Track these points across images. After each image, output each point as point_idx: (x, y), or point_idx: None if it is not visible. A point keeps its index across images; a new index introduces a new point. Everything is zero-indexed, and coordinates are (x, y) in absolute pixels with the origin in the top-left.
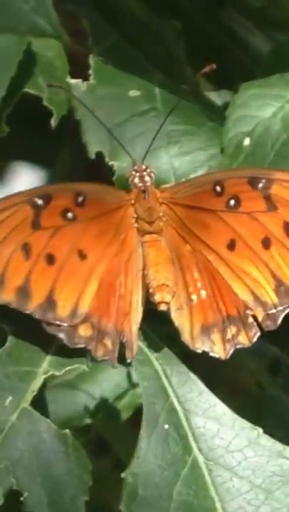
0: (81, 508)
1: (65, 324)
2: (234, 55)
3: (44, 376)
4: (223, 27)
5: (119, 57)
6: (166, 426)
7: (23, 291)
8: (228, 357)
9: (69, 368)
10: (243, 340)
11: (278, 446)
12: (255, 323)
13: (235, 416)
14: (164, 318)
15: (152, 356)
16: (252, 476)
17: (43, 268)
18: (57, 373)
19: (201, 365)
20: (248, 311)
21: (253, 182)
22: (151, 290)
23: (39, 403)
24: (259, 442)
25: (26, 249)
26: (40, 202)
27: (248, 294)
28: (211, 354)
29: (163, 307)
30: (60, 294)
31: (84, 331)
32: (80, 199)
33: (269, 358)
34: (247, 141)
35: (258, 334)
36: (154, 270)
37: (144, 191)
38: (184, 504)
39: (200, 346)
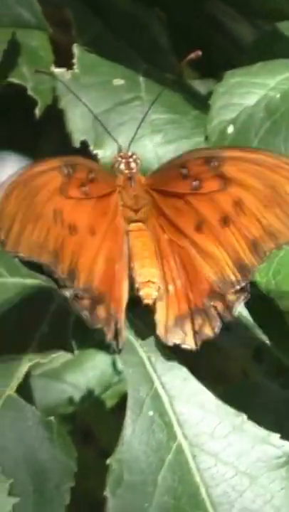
0: (66, 495)
1: (79, 295)
2: (218, 43)
3: (29, 364)
4: (207, 16)
5: (103, 47)
6: (151, 412)
7: (56, 256)
8: (198, 348)
9: (54, 355)
10: (208, 332)
11: (262, 432)
12: (217, 315)
13: (220, 402)
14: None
15: (137, 343)
16: (236, 461)
17: (68, 236)
18: (42, 361)
19: (184, 352)
20: (211, 303)
21: (207, 162)
22: (136, 285)
23: (24, 391)
24: (243, 428)
25: (56, 215)
26: (68, 171)
27: (217, 274)
28: (183, 346)
29: (148, 301)
30: (79, 265)
31: (100, 312)
32: (91, 176)
33: (254, 346)
34: (231, 129)
35: (220, 326)
36: (140, 265)
37: (130, 178)
38: (169, 489)
39: (172, 339)
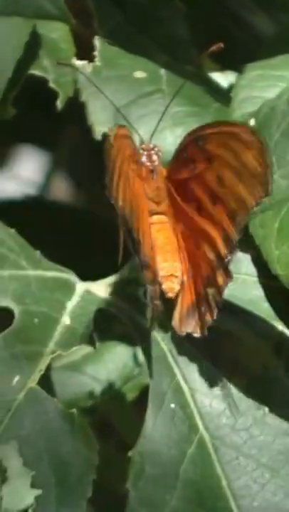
0: (88, 487)
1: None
2: (238, 36)
3: (51, 356)
4: (227, 8)
5: (124, 39)
6: (173, 405)
7: (128, 221)
8: (205, 334)
9: (75, 348)
10: (209, 318)
11: (284, 425)
12: (213, 301)
13: (241, 395)
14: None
15: (158, 336)
16: (258, 454)
17: (135, 205)
18: (63, 353)
19: (205, 345)
20: (207, 289)
21: (196, 141)
22: (158, 278)
23: (45, 383)
24: (265, 421)
25: (128, 180)
26: (135, 143)
27: (212, 253)
28: (194, 335)
29: (170, 295)
30: (140, 236)
31: (148, 274)
32: (138, 156)
33: (273, 339)
34: (252, 122)
35: (217, 311)
36: (163, 259)
37: (152, 171)
38: (191, 482)
39: (185, 328)
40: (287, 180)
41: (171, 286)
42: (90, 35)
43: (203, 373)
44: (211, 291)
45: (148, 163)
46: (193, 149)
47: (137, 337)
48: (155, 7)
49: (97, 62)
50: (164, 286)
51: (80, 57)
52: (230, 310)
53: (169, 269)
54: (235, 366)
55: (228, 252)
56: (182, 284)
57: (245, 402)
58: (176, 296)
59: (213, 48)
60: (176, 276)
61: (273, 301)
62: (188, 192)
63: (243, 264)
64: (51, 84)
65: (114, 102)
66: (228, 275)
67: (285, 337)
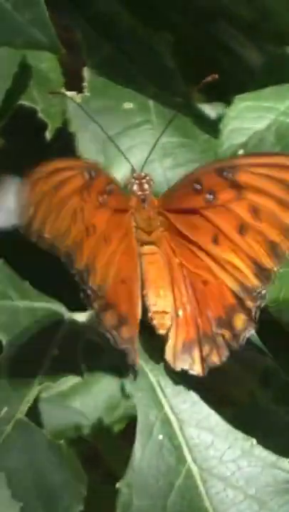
0: None
1: (92, 293)
2: (226, 67)
3: (39, 387)
4: (215, 39)
5: (112, 70)
6: (161, 436)
7: (71, 253)
8: (205, 374)
9: (63, 379)
10: (215, 360)
11: (272, 456)
12: (225, 344)
13: (229, 427)
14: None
15: (146, 367)
16: (246, 486)
17: (85, 237)
18: (51, 384)
19: (192, 376)
20: (219, 330)
21: (220, 172)
22: (149, 314)
23: (33, 414)
24: (252, 453)
25: (76, 214)
26: (90, 175)
27: (235, 283)
28: (190, 372)
29: (162, 332)
30: (93, 266)
31: (124, 333)
32: (109, 188)
33: (260, 369)
34: (241, 153)
35: (227, 354)
36: (155, 294)
37: (143, 200)
38: None
39: (180, 364)
40: None
41: (162, 322)
42: (78, 66)
43: (191, 404)
44: (223, 332)
45: (139, 192)
46: (213, 180)
47: (125, 368)
48: (144, 38)
49: (86, 92)
50: (154, 322)
51: (69, 88)
52: None
53: (161, 304)
54: (223, 397)
55: (262, 282)
56: (176, 318)
57: (232, 434)
58: (167, 332)
59: (208, 78)
60: (168, 312)
61: (261, 333)
62: (196, 222)
63: None
64: (40, 115)
65: (103, 133)
66: (251, 319)
67: (272, 368)
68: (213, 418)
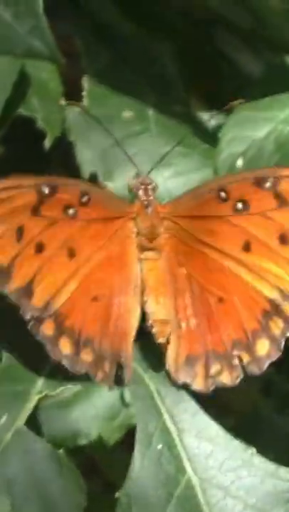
0: None
1: (35, 315)
2: (226, 75)
3: (38, 396)
4: (216, 48)
5: (112, 79)
6: (160, 446)
7: (6, 271)
8: (209, 392)
9: (62, 388)
10: (225, 380)
11: (271, 466)
12: (239, 365)
13: (229, 436)
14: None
15: (146, 376)
16: (245, 495)
17: (30, 254)
18: (51, 393)
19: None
20: (236, 352)
21: (259, 182)
22: (150, 322)
23: (33, 423)
24: (252, 462)
25: (20, 231)
26: (46, 191)
27: (274, 290)
28: (193, 387)
29: (161, 340)
30: (39, 284)
31: (85, 355)
32: (85, 199)
33: (262, 380)
34: (240, 162)
35: (241, 376)
36: (155, 302)
37: (147, 206)
38: None
39: (182, 377)
40: None
41: (162, 331)
42: (77, 75)
43: (191, 414)
44: (243, 356)
45: (144, 198)
46: (245, 190)
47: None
48: (144, 46)
49: (85, 101)
50: (154, 330)
51: (68, 97)
52: None
53: (161, 312)
54: (223, 407)
55: None
56: (179, 329)
57: (232, 443)
58: (167, 340)
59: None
60: (168, 321)
61: None
62: (220, 230)
63: None
64: (39, 124)
65: (103, 141)
66: (277, 346)
67: (274, 378)
68: (214, 428)
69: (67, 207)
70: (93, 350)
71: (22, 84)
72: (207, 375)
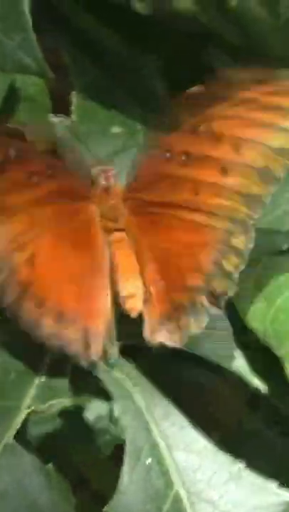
0: None
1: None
2: None
3: (27, 411)
4: (204, 64)
5: (100, 93)
6: (149, 460)
7: None
8: (183, 345)
9: (52, 402)
10: (195, 328)
11: (260, 480)
12: (205, 309)
13: (217, 450)
14: (145, 351)
15: (134, 390)
16: (234, 510)
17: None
18: (40, 408)
19: (180, 399)
20: (197, 298)
21: (193, 131)
22: (120, 299)
23: (22, 437)
24: (240, 476)
25: None
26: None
27: (228, 222)
28: (168, 344)
29: (134, 314)
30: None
31: (69, 333)
32: (50, 172)
33: (249, 393)
34: None
35: (207, 320)
36: (124, 278)
37: (107, 188)
38: None
39: (158, 338)
40: (264, 235)
41: (133, 306)
42: (65, 89)
43: (179, 428)
44: (202, 300)
45: (104, 182)
46: (184, 141)
47: (113, 392)
48: (132, 61)
49: (74, 117)
50: (126, 307)
51: (56, 112)
52: (206, 365)
53: (131, 287)
54: (211, 421)
55: (253, 210)
56: (150, 297)
57: (220, 457)
58: (140, 314)
59: None
60: (137, 295)
61: (249, 356)
62: (171, 187)
63: (218, 320)
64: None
65: (92, 156)
66: (231, 279)
67: (261, 391)
68: (201, 442)
69: (32, 174)
70: (75, 328)
71: (11, 99)
72: (179, 329)
